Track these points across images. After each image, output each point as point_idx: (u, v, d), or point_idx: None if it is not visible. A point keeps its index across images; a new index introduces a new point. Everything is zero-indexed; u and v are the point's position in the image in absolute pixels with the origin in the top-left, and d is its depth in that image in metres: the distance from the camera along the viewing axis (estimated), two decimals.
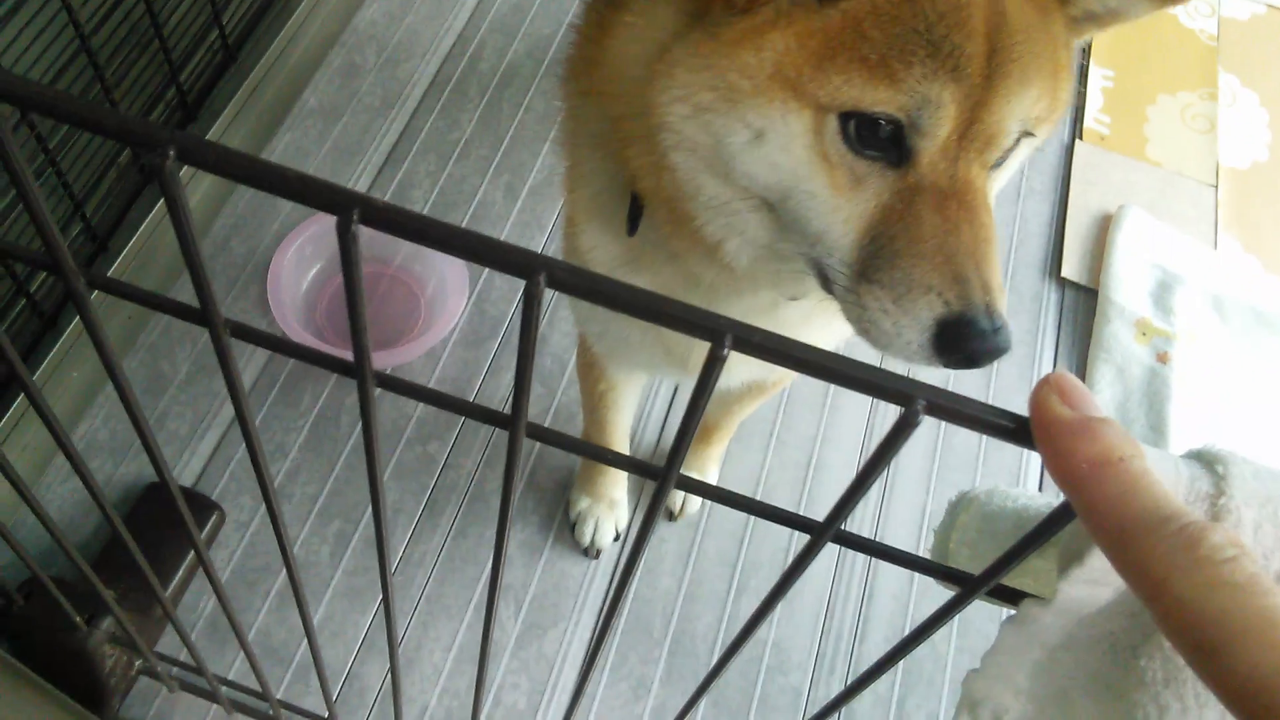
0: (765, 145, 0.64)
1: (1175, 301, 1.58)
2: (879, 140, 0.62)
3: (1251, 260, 1.69)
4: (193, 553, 1.26)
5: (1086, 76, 1.86)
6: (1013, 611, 0.40)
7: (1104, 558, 0.32)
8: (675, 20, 0.66)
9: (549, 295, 1.64)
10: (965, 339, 0.61)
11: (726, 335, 0.33)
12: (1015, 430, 0.34)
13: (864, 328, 0.65)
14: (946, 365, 0.62)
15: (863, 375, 0.33)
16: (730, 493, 0.44)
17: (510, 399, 0.41)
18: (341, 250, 0.36)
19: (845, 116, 0.61)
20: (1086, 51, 1.90)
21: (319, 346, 1.35)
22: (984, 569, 0.39)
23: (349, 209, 0.34)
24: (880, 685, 1.31)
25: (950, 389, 0.34)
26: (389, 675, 1.24)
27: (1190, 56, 1.89)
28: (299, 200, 0.35)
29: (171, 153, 0.33)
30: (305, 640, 1.25)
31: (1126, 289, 1.58)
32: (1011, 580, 0.40)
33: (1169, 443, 1.47)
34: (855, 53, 0.60)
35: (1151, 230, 1.65)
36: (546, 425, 1.41)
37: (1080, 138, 1.78)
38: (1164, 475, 0.33)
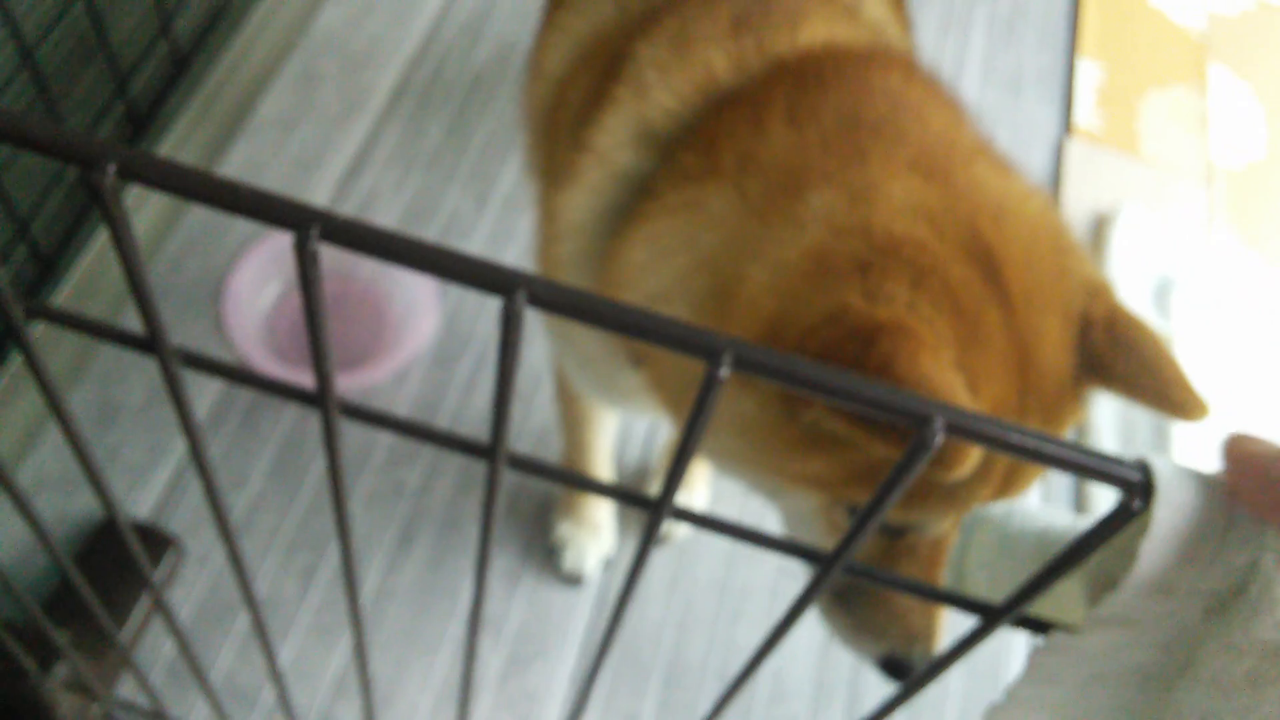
0: (781, 497, 0.73)
1: (1173, 301, 1.53)
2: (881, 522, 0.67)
3: (1251, 255, 1.64)
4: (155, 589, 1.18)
5: (1075, 72, 1.81)
6: (1040, 641, 0.37)
7: (1136, 588, 0.31)
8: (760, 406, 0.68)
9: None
10: (901, 672, 0.73)
11: (725, 353, 0.30)
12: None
13: (825, 623, 0.77)
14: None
15: (870, 395, 0.30)
16: (730, 524, 0.41)
17: (490, 421, 0.36)
18: (300, 271, 0.33)
19: (856, 508, 0.67)
20: (1075, 46, 1.85)
21: (279, 371, 1.27)
22: (1003, 593, 0.36)
23: (307, 226, 0.31)
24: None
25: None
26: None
27: (1180, 51, 1.85)
28: (254, 217, 0.31)
29: (112, 169, 0.30)
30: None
31: (1125, 291, 1.52)
32: (1034, 607, 0.37)
33: (1172, 446, 1.42)
34: (876, 480, 0.63)
35: (1147, 230, 1.60)
36: (523, 443, 1.35)
37: (1071, 134, 1.73)
38: (1206, 498, 0.30)
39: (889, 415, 0.30)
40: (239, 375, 0.42)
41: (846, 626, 0.76)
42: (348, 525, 0.47)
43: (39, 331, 1.26)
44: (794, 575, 1.30)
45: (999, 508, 0.42)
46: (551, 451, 1.34)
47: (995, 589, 0.38)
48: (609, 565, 1.29)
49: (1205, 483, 0.31)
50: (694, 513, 0.40)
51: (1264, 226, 1.67)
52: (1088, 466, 0.30)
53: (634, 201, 0.75)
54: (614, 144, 0.77)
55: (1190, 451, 1.42)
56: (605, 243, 0.78)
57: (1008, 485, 0.66)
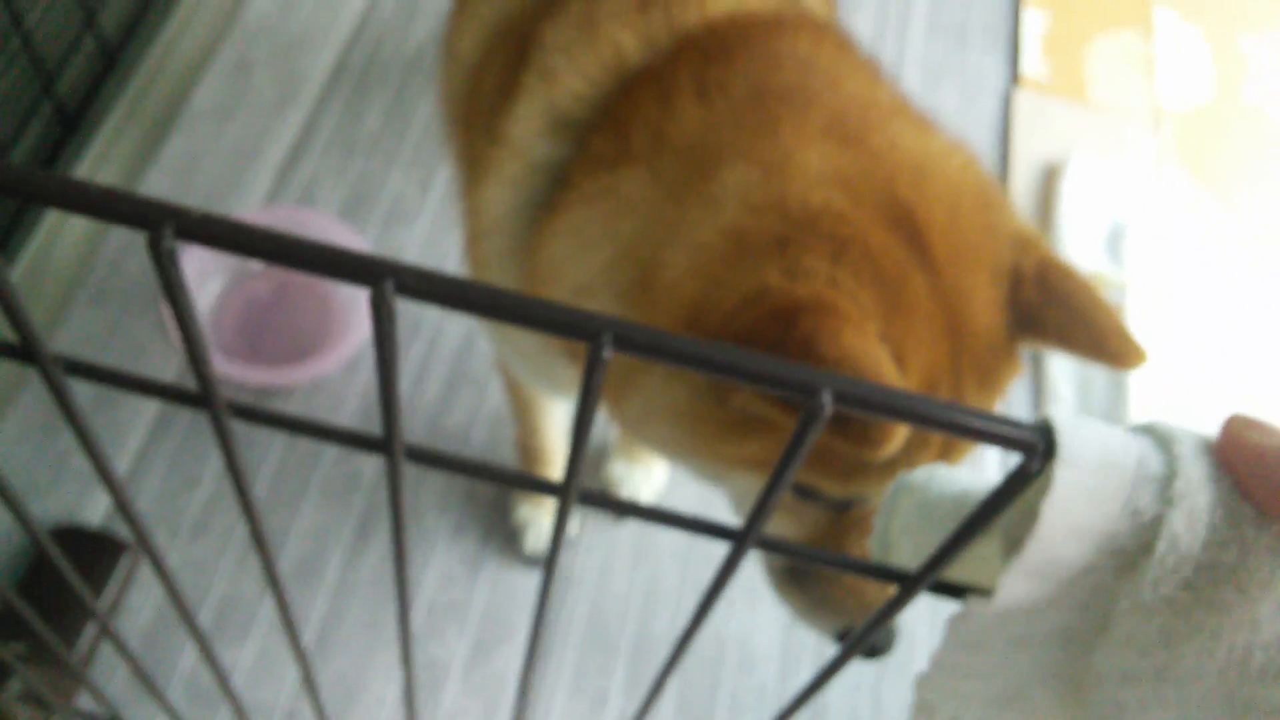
0: (724, 481, 0.72)
1: (1126, 248, 1.52)
2: (824, 497, 0.68)
3: (1202, 197, 1.64)
4: (108, 599, 1.16)
5: (1020, 21, 1.80)
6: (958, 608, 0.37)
7: (1042, 548, 0.31)
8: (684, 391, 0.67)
9: None
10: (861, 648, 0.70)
11: (605, 334, 0.30)
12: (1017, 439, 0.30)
13: (779, 599, 0.78)
14: None
15: (756, 369, 0.30)
16: (644, 507, 0.39)
17: (380, 414, 0.34)
18: (159, 273, 0.31)
19: (799, 484, 0.67)
20: None
21: (225, 367, 1.26)
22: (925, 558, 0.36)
23: (160, 224, 0.29)
24: (853, 676, 1.25)
25: None
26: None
27: None
28: (106, 220, 0.30)
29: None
30: (237, 683, 1.16)
31: (1078, 240, 1.52)
32: (958, 570, 0.36)
33: (1128, 396, 1.42)
34: (817, 461, 0.63)
35: (1098, 177, 1.59)
36: (478, 429, 1.34)
37: (1018, 84, 1.72)
38: (1111, 455, 0.30)
39: (781, 386, 0.30)
40: (126, 381, 0.40)
41: (803, 604, 0.76)
42: (262, 529, 0.45)
43: None
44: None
45: (921, 473, 0.41)
46: (507, 434, 1.33)
47: (918, 555, 0.37)
48: (571, 545, 1.29)
49: (1112, 442, 0.30)
50: (603, 496, 0.39)
51: (1213, 168, 1.67)
52: (984, 431, 0.29)
53: (553, 192, 0.74)
54: (528, 134, 0.75)
55: (1146, 392, 1.42)
56: (527, 236, 0.76)
57: (949, 451, 0.66)
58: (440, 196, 1.49)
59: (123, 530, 1.22)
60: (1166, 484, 0.30)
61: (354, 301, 1.35)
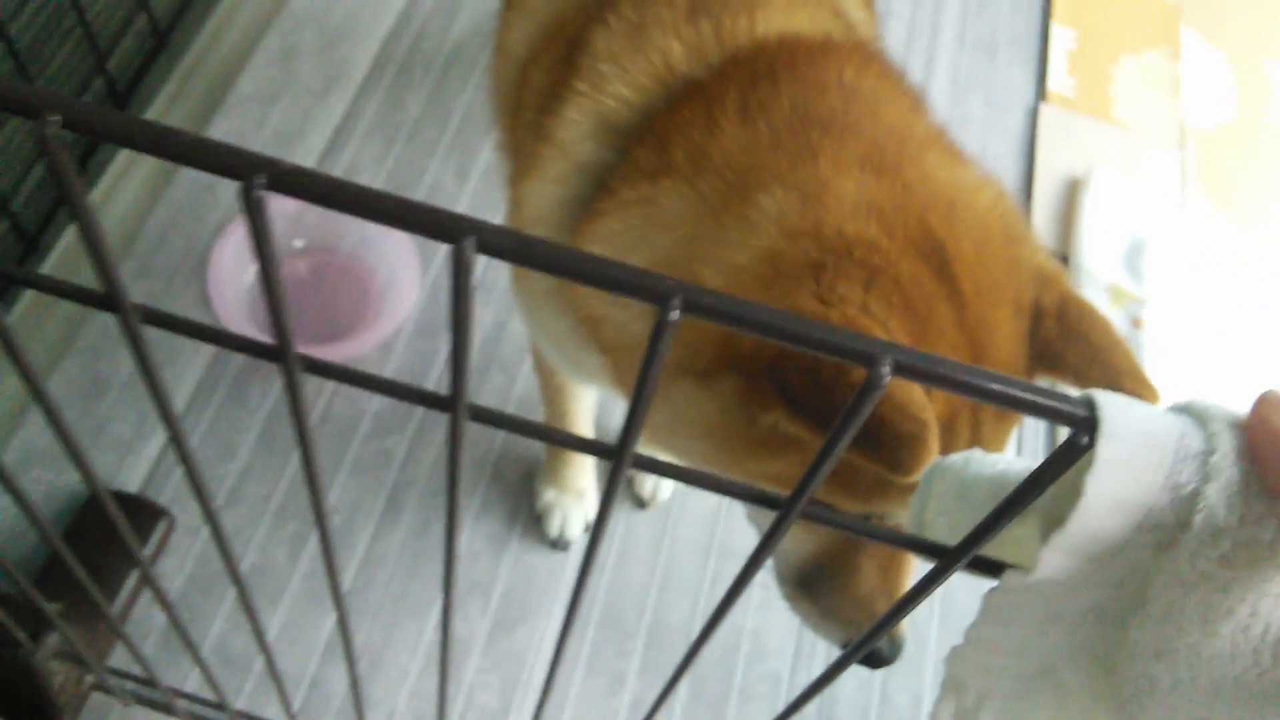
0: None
1: (1145, 263, 1.55)
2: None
3: (1222, 219, 1.66)
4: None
5: (1049, 37, 1.83)
6: (995, 583, 0.38)
7: (1084, 522, 0.31)
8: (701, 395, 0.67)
9: (504, 288, 1.57)
10: (869, 658, 0.74)
11: (675, 297, 0.30)
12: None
13: (791, 609, 0.79)
14: None
15: (819, 336, 0.31)
16: (689, 470, 0.41)
17: (449, 375, 0.36)
18: (249, 221, 0.32)
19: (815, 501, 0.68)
20: (1048, 11, 1.86)
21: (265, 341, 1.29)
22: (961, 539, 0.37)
23: (252, 173, 0.30)
24: (863, 672, 1.28)
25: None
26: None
27: (1153, 16, 1.86)
28: (198, 166, 0.31)
29: (56, 118, 0.30)
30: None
31: (1097, 254, 1.55)
32: (992, 551, 0.37)
33: None
34: (839, 481, 0.64)
35: (1120, 192, 1.62)
36: (506, 410, 1.37)
37: (1045, 99, 1.75)
38: (1152, 431, 0.31)
39: (842, 354, 0.31)
40: (204, 332, 0.41)
41: (813, 614, 0.77)
42: (318, 481, 0.47)
43: (23, 307, 1.28)
44: None
45: (957, 456, 0.42)
46: (534, 418, 1.36)
47: (954, 536, 0.38)
48: (590, 532, 1.32)
49: (1153, 418, 0.31)
50: (656, 460, 0.41)
51: (1234, 187, 1.70)
52: (1035, 404, 0.30)
53: (595, 195, 0.75)
54: (574, 137, 0.77)
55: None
56: (568, 234, 0.78)
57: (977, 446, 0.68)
58: (477, 185, 1.53)
59: (159, 498, 1.25)
60: (1204, 459, 0.31)
61: (390, 286, 1.39)
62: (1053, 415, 0.31)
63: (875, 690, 1.27)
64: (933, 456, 0.57)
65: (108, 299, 0.38)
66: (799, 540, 0.75)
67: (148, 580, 0.62)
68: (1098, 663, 0.37)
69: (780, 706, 1.26)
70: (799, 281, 0.62)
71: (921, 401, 0.57)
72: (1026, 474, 0.33)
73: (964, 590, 1.34)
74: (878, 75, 0.75)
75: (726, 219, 0.66)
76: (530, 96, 0.87)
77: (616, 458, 0.38)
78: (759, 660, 1.27)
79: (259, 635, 0.66)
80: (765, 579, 1.21)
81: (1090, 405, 0.30)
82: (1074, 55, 1.78)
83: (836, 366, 0.57)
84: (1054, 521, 0.32)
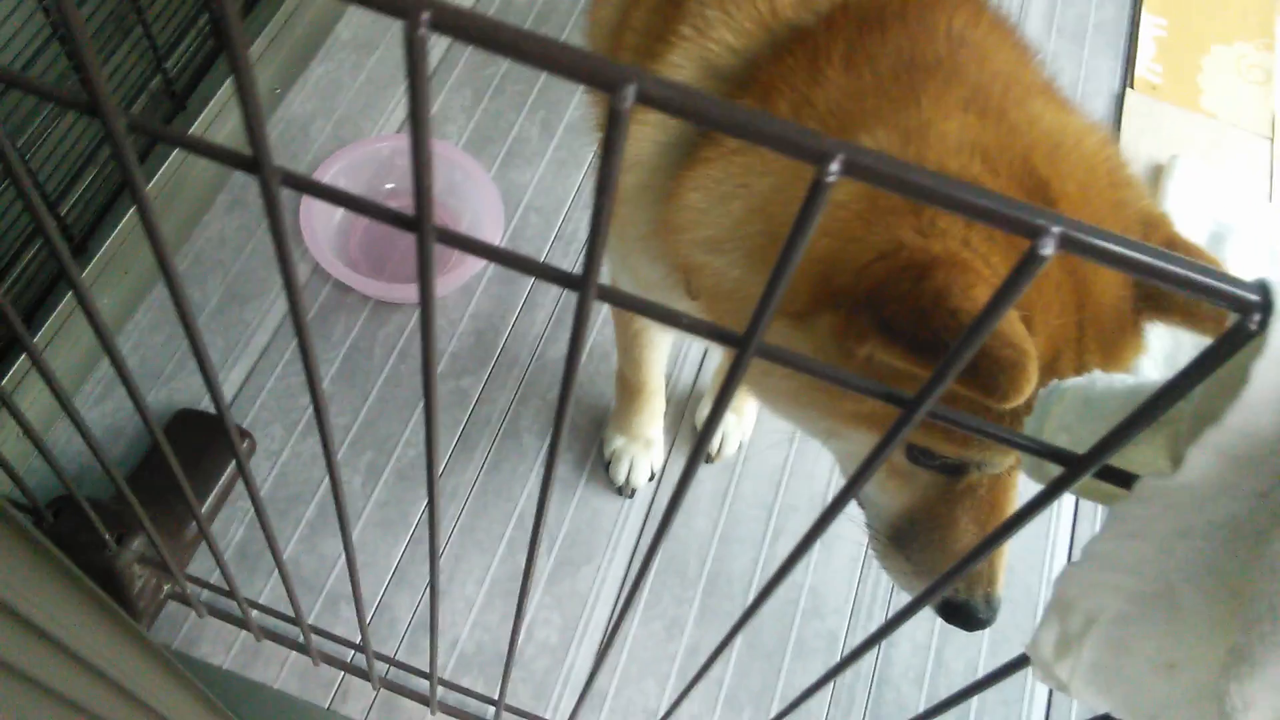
0: (836, 439, 0.73)
1: (1228, 253, 1.54)
2: (940, 461, 0.69)
3: None
4: (220, 481, 1.24)
5: (1138, 24, 1.81)
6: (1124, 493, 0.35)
7: (1245, 415, 0.29)
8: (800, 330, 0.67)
9: (587, 229, 1.61)
10: (962, 618, 0.74)
11: (836, 156, 0.29)
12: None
13: (883, 566, 0.78)
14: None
15: (984, 204, 0.29)
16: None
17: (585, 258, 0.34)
18: (409, 64, 0.31)
19: (913, 445, 0.69)
20: (1138, 0, 1.85)
21: (350, 279, 1.32)
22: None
23: (416, 12, 0.29)
24: (919, 632, 1.29)
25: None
26: (419, 607, 1.22)
27: (1247, 5, 1.84)
28: (364, 6, 0.30)
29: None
30: (335, 571, 1.23)
31: None
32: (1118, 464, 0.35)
33: None
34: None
35: (1204, 182, 1.60)
36: (580, 366, 1.39)
37: (1131, 86, 1.74)
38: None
39: (1002, 224, 0.29)
40: (339, 197, 0.41)
41: (905, 571, 0.76)
42: (432, 355, 0.47)
43: (127, 221, 1.33)
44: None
45: (1079, 378, 0.40)
46: (606, 371, 1.38)
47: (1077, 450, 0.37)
48: (659, 479, 1.34)
49: None
50: (779, 351, 0.39)
51: None
52: (1202, 284, 0.28)
53: (696, 141, 0.76)
54: (681, 81, 0.77)
55: None
56: (667, 180, 0.78)
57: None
58: (561, 139, 1.55)
59: (241, 421, 1.29)
60: None
61: (474, 232, 1.42)
62: (1223, 297, 0.29)
63: (930, 655, 1.28)
64: (1032, 384, 0.56)
65: (253, 161, 0.38)
66: (895, 492, 0.74)
67: (241, 472, 0.64)
68: (1222, 582, 0.34)
69: (833, 662, 1.27)
70: (899, 216, 0.62)
71: (1022, 332, 0.57)
72: (1164, 383, 0.31)
73: (1021, 565, 1.34)
74: (988, 25, 0.75)
75: None
76: (630, 38, 0.88)
77: (742, 345, 0.37)
78: (816, 617, 1.28)
79: (345, 535, 0.67)
80: (829, 538, 1.22)
81: (1264, 289, 0.28)
82: (1163, 43, 1.77)
83: (936, 292, 0.57)
84: (1204, 419, 0.30)
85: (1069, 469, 0.35)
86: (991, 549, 0.42)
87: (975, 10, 0.75)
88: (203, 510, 1.24)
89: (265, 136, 0.39)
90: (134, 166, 0.41)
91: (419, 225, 0.37)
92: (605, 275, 1.40)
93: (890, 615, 1.28)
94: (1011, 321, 0.57)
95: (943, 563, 0.72)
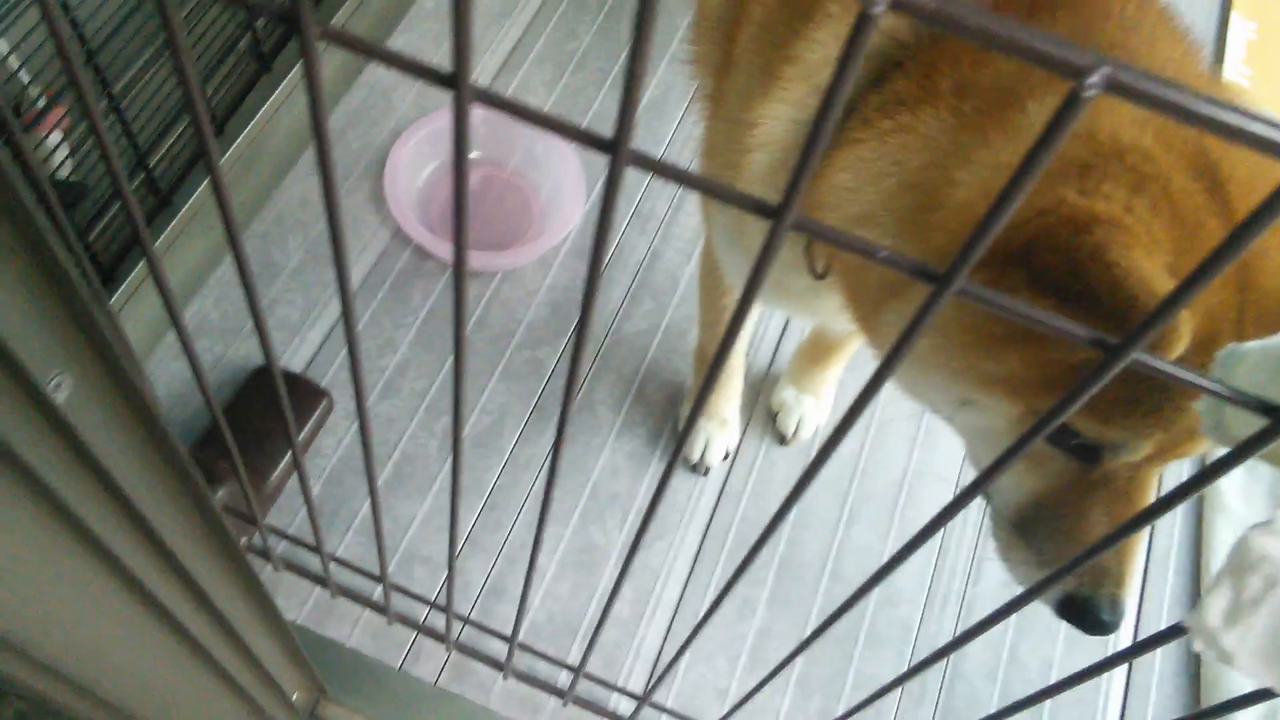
0: (970, 410, 0.69)
1: None
2: (1076, 443, 0.66)
3: None
4: (302, 436, 1.23)
5: (1228, 27, 1.79)
6: None
7: None
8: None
9: (666, 205, 1.59)
10: (1083, 618, 0.69)
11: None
12: None
13: (1003, 559, 0.74)
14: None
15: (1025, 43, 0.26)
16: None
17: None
18: None
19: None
20: (1228, 2, 1.82)
21: (429, 242, 1.32)
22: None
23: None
24: (994, 627, 1.26)
25: None
26: (492, 572, 1.21)
27: None
28: None
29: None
30: (410, 532, 1.22)
31: None
32: None
33: None
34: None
35: None
36: (656, 342, 1.38)
37: None
38: None
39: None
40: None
41: (1027, 561, 0.72)
42: (464, 291, 0.45)
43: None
44: (913, 490, 1.32)
45: (1259, 341, 0.37)
46: (683, 350, 1.37)
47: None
48: (729, 460, 1.32)
49: None
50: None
51: None
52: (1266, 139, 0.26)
53: (841, 121, 0.74)
54: (823, 60, 0.75)
55: None
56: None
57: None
58: (640, 117, 1.54)
59: (320, 380, 1.29)
60: None
61: (552, 205, 1.41)
62: None
63: (1005, 650, 1.25)
64: (1184, 344, 0.55)
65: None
66: (1023, 477, 0.71)
67: (292, 438, 0.63)
68: None
69: (907, 653, 1.25)
70: (1063, 179, 0.61)
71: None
72: None
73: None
74: (1157, 16, 0.73)
75: (990, 129, 0.66)
76: (760, 11, 0.85)
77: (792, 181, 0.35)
78: (890, 606, 1.26)
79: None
80: (904, 525, 1.19)
81: None
82: (1254, 46, 1.74)
83: (1095, 245, 0.56)
84: None
85: (1275, 420, 0.32)
86: (1134, 530, 0.40)
87: (1145, 1, 0.74)
88: (281, 466, 1.24)
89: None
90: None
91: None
92: (673, 261, 1.39)
93: (965, 607, 1.26)
94: (1168, 284, 0.55)
95: (1067, 551, 0.69)
